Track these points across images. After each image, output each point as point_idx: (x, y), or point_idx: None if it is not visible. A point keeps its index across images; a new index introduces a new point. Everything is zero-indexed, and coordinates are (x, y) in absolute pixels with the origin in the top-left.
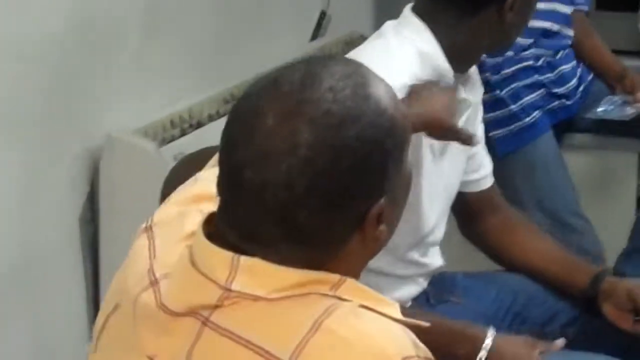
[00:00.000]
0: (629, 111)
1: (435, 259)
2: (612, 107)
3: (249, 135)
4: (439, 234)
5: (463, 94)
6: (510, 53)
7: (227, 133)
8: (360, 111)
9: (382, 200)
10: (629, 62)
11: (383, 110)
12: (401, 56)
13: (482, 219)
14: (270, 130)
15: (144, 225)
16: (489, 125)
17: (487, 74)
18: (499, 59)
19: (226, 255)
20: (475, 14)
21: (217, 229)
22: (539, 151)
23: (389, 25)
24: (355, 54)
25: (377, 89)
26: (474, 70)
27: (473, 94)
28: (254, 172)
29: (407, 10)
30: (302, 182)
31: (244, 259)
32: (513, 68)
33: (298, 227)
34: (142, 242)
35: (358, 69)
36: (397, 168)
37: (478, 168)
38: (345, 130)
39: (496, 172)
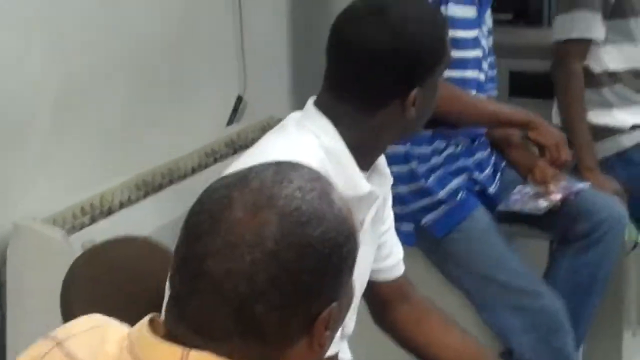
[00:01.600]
0: (542, 204)
1: (344, 355)
2: (523, 198)
3: (215, 226)
4: (349, 327)
5: (369, 187)
6: (442, 144)
7: (190, 225)
8: (325, 214)
9: (334, 305)
10: None
11: (344, 218)
12: (305, 150)
13: (392, 307)
14: (238, 222)
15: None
16: (418, 215)
17: (413, 164)
18: (427, 149)
19: (175, 349)
20: (377, 110)
21: (164, 325)
22: (475, 225)
23: (292, 118)
24: (259, 148)
25: (339, 198)
26: (381, 159)
27: (381, 183)
28: (218, 262)
29: (310, 103)
30: (264, 275)
31: (194, 354)
32: (441, 156)
33: (254, 321)
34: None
35: (321, 175)
36: (348, 275)
37: (387, 256)
38: (311, 229)
39: (439, 254)
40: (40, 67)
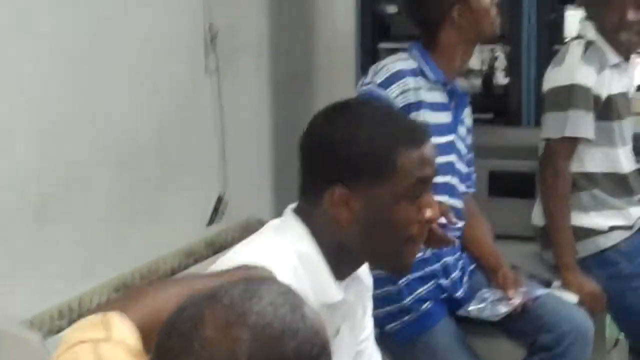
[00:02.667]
0: (501, 310)
1: None
2: (483, 304)
3: (187, 347)
4: None
5: (340, 296)
6: None
7: (161, 347)
8: (298, 327)
9: None
10: (524, 249)
11: (316, 330)
12: (279, 256)
13: None
14: (210, 340)
15: None
16: (383, 320)
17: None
18: None
19: None
20: (321, 203)
21: None
22: (438, 338)
23: (271, 224)
24: (235, 253)
25: (310, 310)
26: (363, 268)
27: (359, 292)
28: None
29: (289, 210)
30: None
31: None
32: None
33: None
34: None
35: (291, 289)
36: None
37: None
38: (284, 344)
39: None
40: (22, 166)
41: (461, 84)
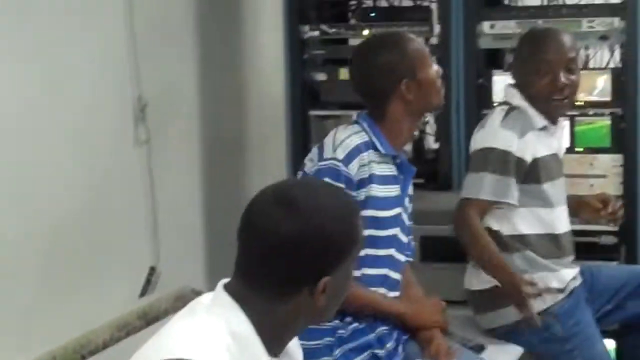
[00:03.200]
0: None
1: None
2: None
3: None
4: None
5: None
6: (349, 318)
7: None
8: None
9: None
10: (457, 313)
11: None
12: (212, 335)
13: None
14: None
15: None
16: None
17: (319, 342)
18: (335, 322)
19: None
20: (286, 298)
21: None
22: None
23: (202, 302)
24: (167, 331)
25: None
26: (293, 341)
27: None
28: None
29: (220, 287)
30: None
31: None
32: (347, 330)
33: None
34: None
35: None
36: None
37: None
38: None
39: None
40: None
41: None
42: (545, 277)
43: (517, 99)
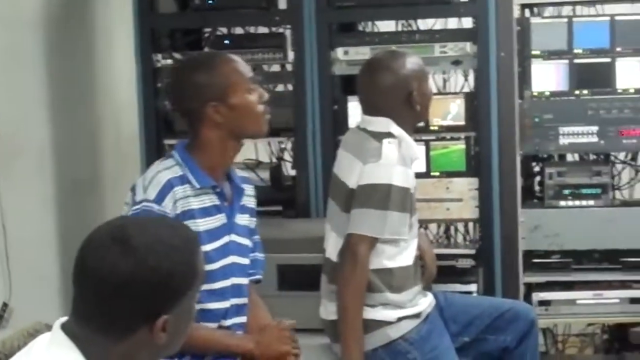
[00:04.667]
0: None
1: None
2: None
3: None
4: None
5: None
6: None
7: None
8: None
9: None
10: (314, 341)
11: None
12: None
13: None
14: None
15: None
16: None
17: None
18: None
19: None
20: (124, 338)
21: None
22: None
23: (41, 342)
24: None
25: None
26: None
27: None
28: None
29: (57, 327)
30: None
31: None
32: None
33: None
34: None
35: None
36: None
37: None
38: None
39: None
40: None
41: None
42: (402, 303)
43: (395, 129)
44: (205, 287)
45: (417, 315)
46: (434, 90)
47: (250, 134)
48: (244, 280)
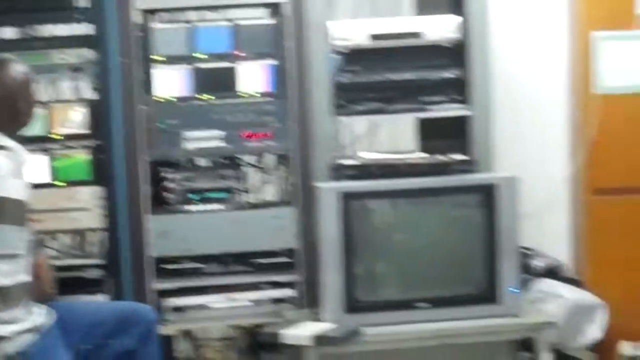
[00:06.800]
0: None
1: None
2: None
3: None
4: None
5: None
6: None
7: None
8: None
9: None
10: None
11: None
12: None
13: None
14: None
15: None
16: None
17: None
18: None
19: None
20: None
21: None
22: None
23: None
24: None
25: None
26: None
27: None
28: None
29: None
30: None
31: None
32: None
33: None
34: None
35: None
36: None
37: None
38: None
39: None
40: None
41: None
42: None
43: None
44: None
45: (31, 329)
46: (56, 98)
47: None
48: None
